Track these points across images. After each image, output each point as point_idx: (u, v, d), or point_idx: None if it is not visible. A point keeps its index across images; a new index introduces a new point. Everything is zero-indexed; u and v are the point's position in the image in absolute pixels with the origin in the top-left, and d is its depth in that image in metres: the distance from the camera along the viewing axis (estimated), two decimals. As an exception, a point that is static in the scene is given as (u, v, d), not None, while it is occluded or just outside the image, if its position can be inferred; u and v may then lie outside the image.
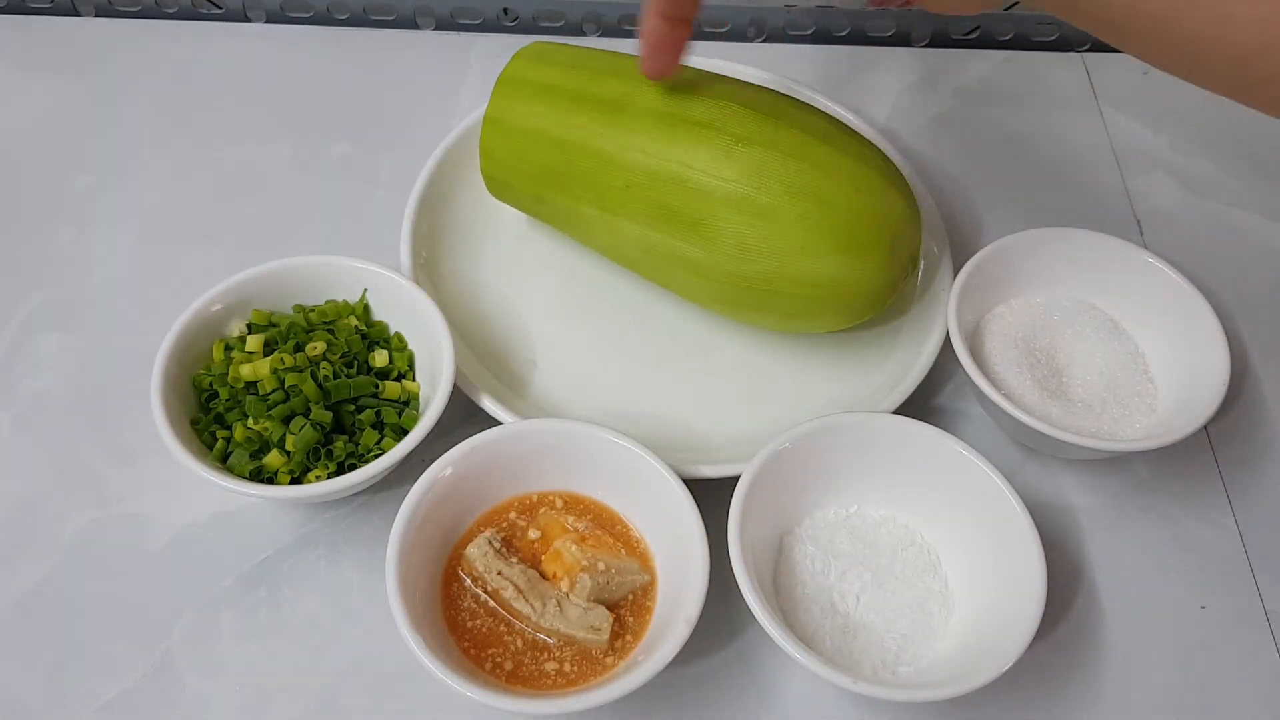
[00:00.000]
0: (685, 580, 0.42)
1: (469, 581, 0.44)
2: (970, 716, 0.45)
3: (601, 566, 0.43)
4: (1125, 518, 0.52)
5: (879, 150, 0.51)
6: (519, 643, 0.42)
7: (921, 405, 0.54)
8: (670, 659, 0.39)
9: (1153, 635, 0.48)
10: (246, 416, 0.47)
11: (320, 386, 0.47)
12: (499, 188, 0.56)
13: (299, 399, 0.47)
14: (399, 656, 0.45)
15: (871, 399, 0.52)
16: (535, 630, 0.43)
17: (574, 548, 0.44)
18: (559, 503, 0.47)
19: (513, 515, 0.46)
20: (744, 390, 0.54)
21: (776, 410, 0.53)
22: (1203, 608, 0.49)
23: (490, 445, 0.45)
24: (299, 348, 0.48)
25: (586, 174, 0.51)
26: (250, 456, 0.46)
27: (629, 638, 0.43)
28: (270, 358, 0.47)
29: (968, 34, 0.75)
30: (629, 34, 0.74)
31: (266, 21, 0.74)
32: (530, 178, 0.54)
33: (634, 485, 0.46)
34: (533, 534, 0.46)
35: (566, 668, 0.42)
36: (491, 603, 0.43)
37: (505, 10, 0.73)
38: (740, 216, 0.48)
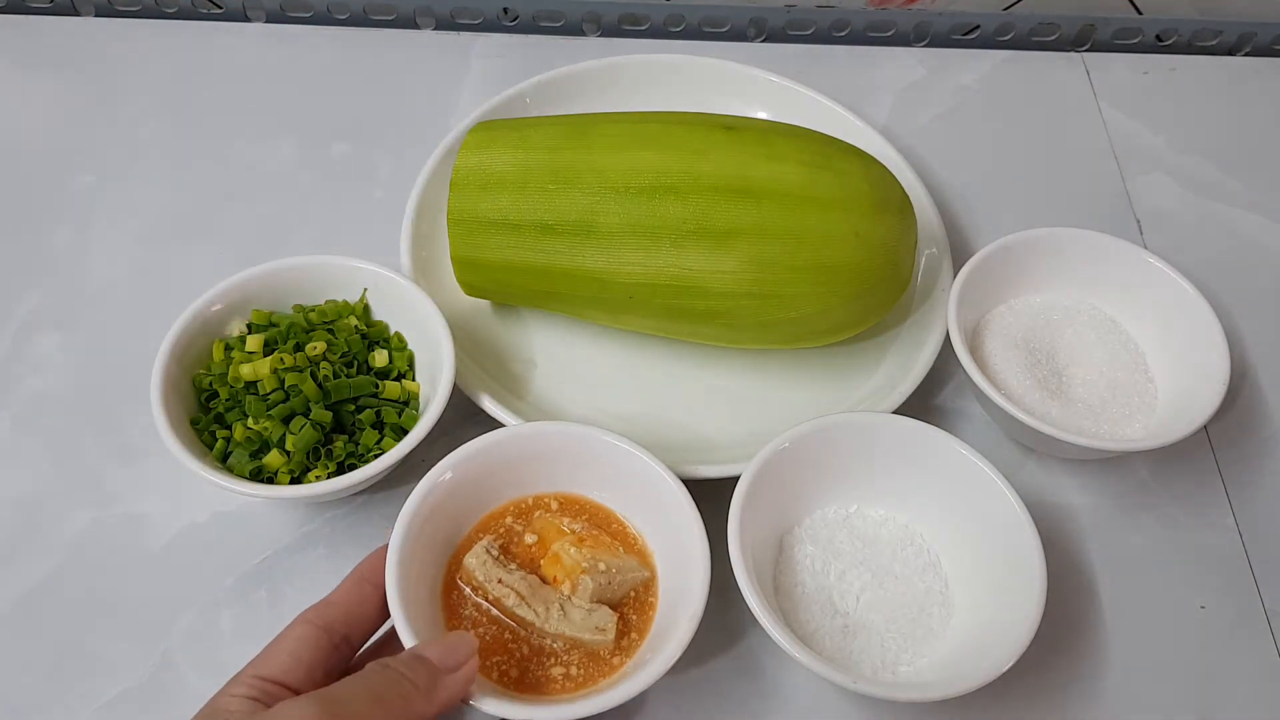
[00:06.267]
0: (686, 575, 0.42)
1: (469, 591, 0.43)
2: (970, 716, 0.45)
3: (602, 567, 0.43)
4: (1125, 517, 0.52)
5: (863, 159, 0.50)
6: (524, 649, 0.42)
7: (922, 405, 0.54)
8: (678, 657, 0.39)
9: (1152, 635, 0.48)
10: (246, 416, 0.47)
11: (320, 386, 0.47)
12: (494, 305, 0.56)
13: (299, 399, 0.47)
14: None
15: (872, 399, 0.52)
16: (540, 636, 0.42)
17: (573, 550, 0.44)
18: (554, 505, 0.46)
19: (509, 520, 0.46)
20: (744, 390, 0.54)
21: (776, 410, 0.53)
22: (1202, 607, 0.49)
23: (482, 452, 0.45)
24: (299, 347, 0.48)
25: (582, 293, 0.50)
26: (250, 456, 0.46)
27: (634, 635, 0.43)
28: (270, 357, 0.47)
29: (968, 34, 0.75)
30: (629, 34, 0.74)
31: (266, 21, 0.74)
32: (521, 298, 0.53)
33: (629, 483, 0.45)
34: (529, 538, 0.45)
35: (574, 670, 0.41)
36: (494, 610, 0.43)
37: (505, 10, 0.73)
38: (753, 302, 0.48)
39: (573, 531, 0.45)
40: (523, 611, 0.42)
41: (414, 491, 0.43)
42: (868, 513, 0.48)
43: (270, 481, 0.46)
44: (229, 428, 0.47)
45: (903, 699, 0.40)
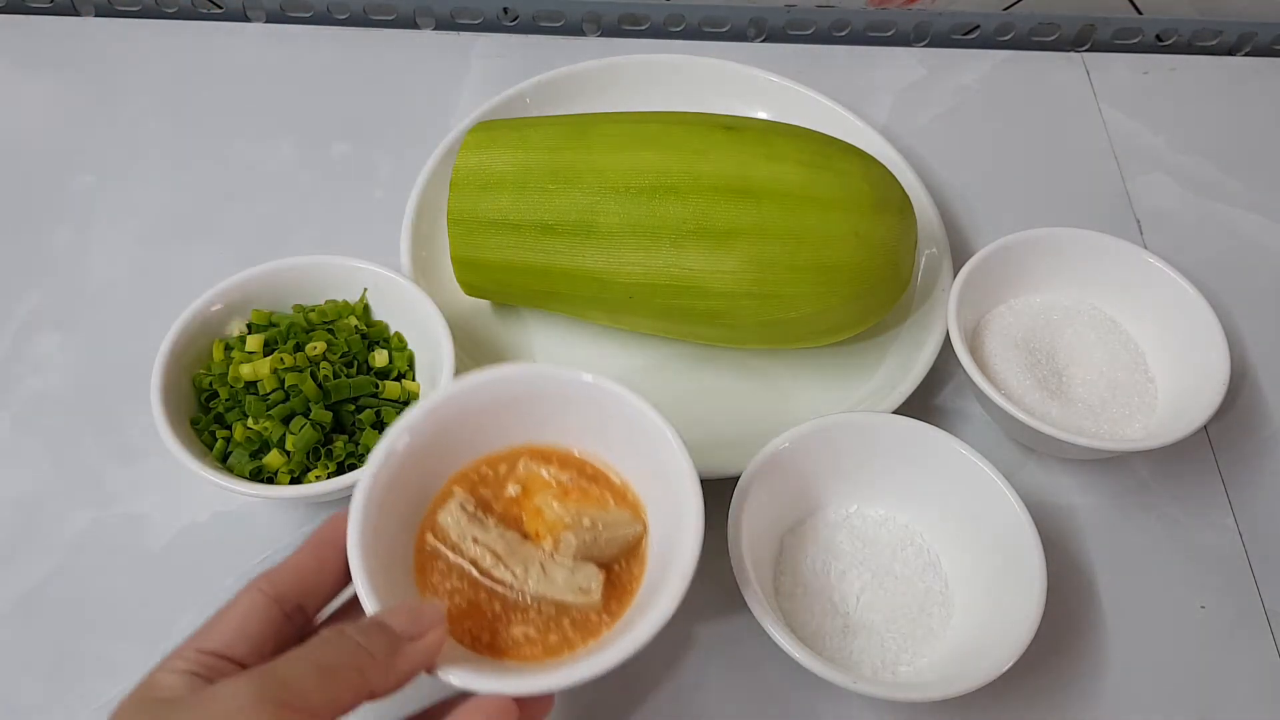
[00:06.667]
0: (678, 527, 0.39)
1: (445, 550, 0.40)
2: (970, 716, 0.45)
3: (587, 522, 0.40)
4: (1125, 517, 0.52)
5: (862, 159, 0.50)
6: (503, 611, 0.39)
7: (922, 405, 0.54)
8: (667, 619, 0.36)
9: (1152, 635, 0.48)
10: (246, 416, 0.47)
11: (320, 386, 0.47)
12: (495, 305, 0.56)
13: (299, 399, 0.47)
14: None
15: (872, 399, 0.52)
16: (521, 597, 0.39)
17: (555, 505, 0.40)
18: (536, 455, 0.43)
19: (488, 472, 0.42)
20: (744, 390, 0.54)
21: (776, 410, 0.53)
22: (1202, 608, 0.49)
23: (452, 402, 0.41)
24: (299, 347, 0.48)
25: (582, 293, 0.50)
26: (250, 456, 0.46)
27: (622, 595, 0.39)
28: (270, 357, 0.47)
29: (968, 34, 0.75)
30: (629, 33, 0.74)
31: (266, 21, 0.74)
32: (521, 298, 0.53)
33: (614, 429, 0.42)
34: (512, 489, 0.41)
35: (555, 635, 0.38)
36: (473, 571, 0.39)
37: (505, 10, 0.73)
38: (753, 301, 0.48)
39: (558, 482, 0.42)
40: (500, 573, 0.39)
41: (372, 453, 0.39)
42: (868, 513, 0.48)
43: (270, 481, 0.46)
44: (229, 428, 0.47)
45: (903, 699, 0.40)
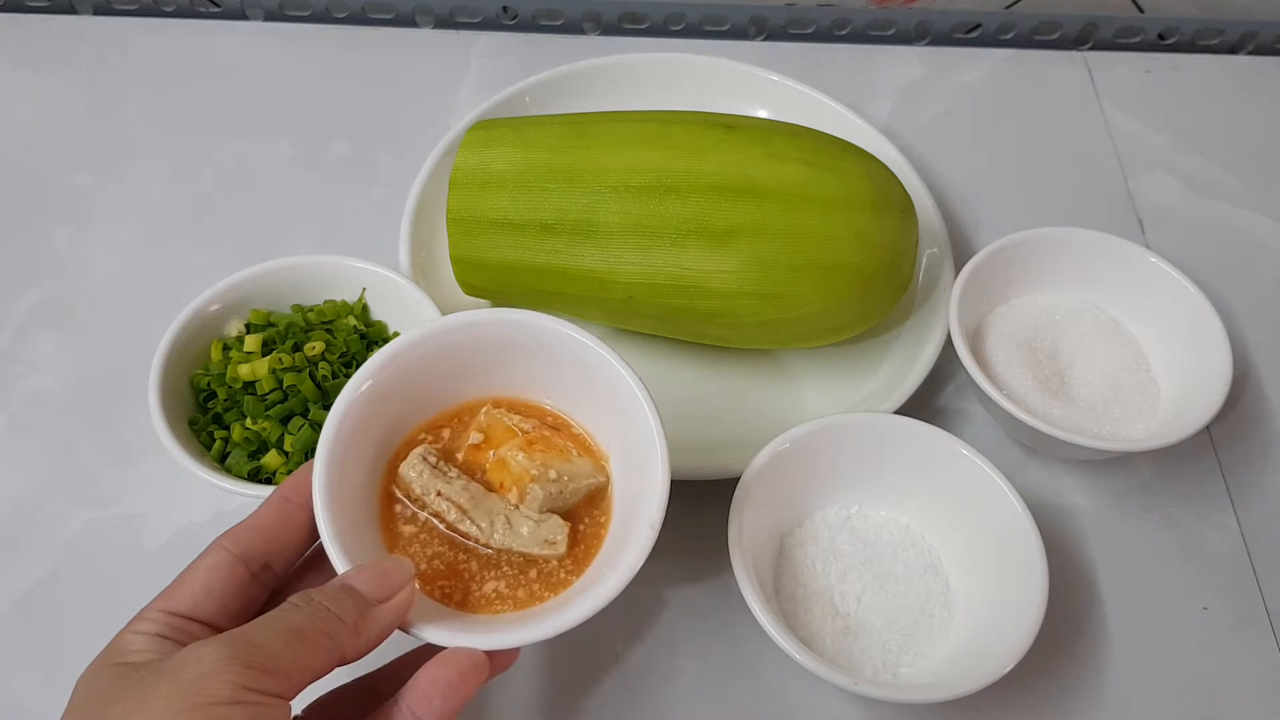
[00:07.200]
0: (643, 478, 0.38)
1: (409, 504, 0.39)
2: (971, 718, 0.45)
3: (553, 474, 0.39)
4: (1127, 518, 0.52)
5: (864, 158, 0.50)
6: (470, 564, 0.38)
7: (923, 405, 0.54)
8: (636, 570, 0.35)
9: (1155, 636, 0.48)
10: (244, 416, 0.47)
11: (319, 386, 0.47)
12: (494, 305, 0.55)
13: (297, 399, 0.46)
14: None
15: (873, 399, 0.52)
16: (486, 550, 0.39)
17: (521, 456, 0.40)
18: (498, 402, 0.42)
19: (450, 420, 0.42)
20: (744, 390, 0.54)
21: (776, 410, 0.53)
22: (1205, 608, 0.49)
23: (410, 349, 0.40)
24: (297, 347, 0.48)
25: (582, 293, 0.50)
26: (248, 457, 0.46)
27: (587, 546, 0.39)
28: (268, 358, 0.47)
29: (969, 32, 0.75)
30: (629, 32, 0.74)
31: (265, 20, 0.73)
32: (521, 298, 0.53)
33: (577, 377, 0.41)
34: (474, 437, 0.41)
35: (522, 589, 0.38)
36: (439, 525, 0.39)
37: (505, 9, 0.73)
38: (754, 301, 0.48)
39: (522, 431, 0.41)
40: (465, 526, 0.38)
41: (336, 402, 0.38)
42: (869, 514, 0.48)
43: (269, 482, 0.46)
44: (227, 428, 0.47)
45: (904, 700, 0.40)
